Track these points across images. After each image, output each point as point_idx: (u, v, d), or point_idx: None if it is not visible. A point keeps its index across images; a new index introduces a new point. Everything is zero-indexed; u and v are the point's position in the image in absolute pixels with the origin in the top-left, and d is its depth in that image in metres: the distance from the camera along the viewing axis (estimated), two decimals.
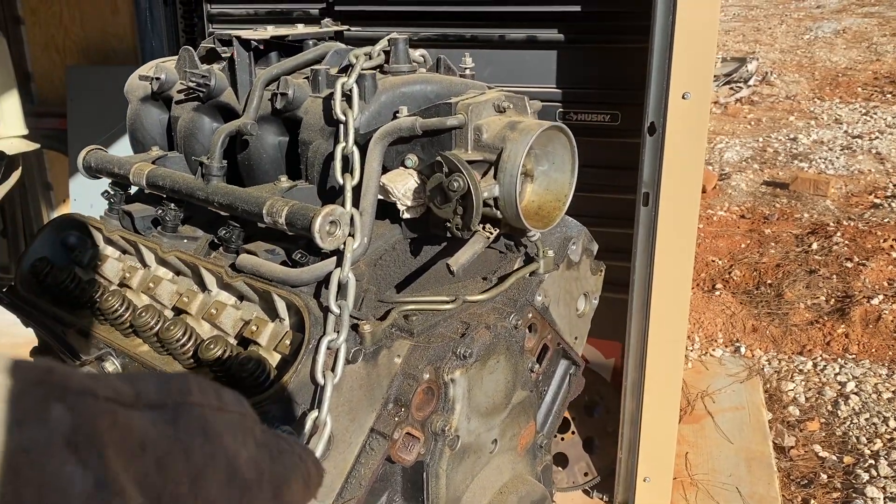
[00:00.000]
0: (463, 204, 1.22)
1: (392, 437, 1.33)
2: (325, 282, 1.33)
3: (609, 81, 3.03)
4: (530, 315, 1.57)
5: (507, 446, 1.58)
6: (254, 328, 1.35)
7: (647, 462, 3.38)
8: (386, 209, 1.40)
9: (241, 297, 1.45)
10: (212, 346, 1.27)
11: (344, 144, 1.34)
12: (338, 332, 1.21)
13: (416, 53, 1.52)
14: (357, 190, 1.33)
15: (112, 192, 1.64)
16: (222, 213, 1.43)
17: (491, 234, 1.32)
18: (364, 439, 1.34)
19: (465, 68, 1.53)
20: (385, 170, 1.37)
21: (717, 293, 5.31)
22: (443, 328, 1.46)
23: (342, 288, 1.26)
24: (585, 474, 3.56)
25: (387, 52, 1.47)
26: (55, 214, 5.77)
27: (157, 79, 1.65)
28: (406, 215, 1.37)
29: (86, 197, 5.37)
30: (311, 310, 1.25)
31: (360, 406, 1.32)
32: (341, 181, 1.33)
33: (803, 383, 4.50)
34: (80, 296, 1.54)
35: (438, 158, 1.25)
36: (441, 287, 1.55)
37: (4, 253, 5.33)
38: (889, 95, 9.18)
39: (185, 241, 1.56)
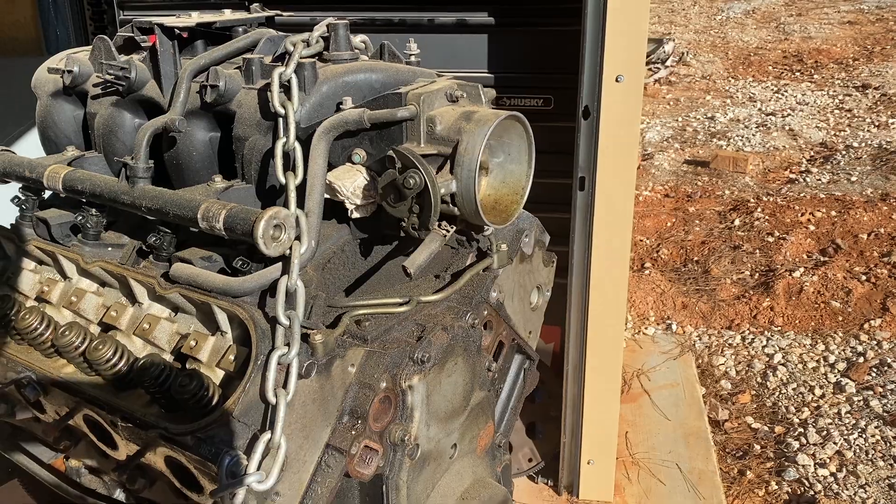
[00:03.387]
0: (419, 202, 1.14)
1: (349, 452, 1.25)
2: (269, 290, 1.23)
3: (541, 65, 2.98)
4: (486, 312, 1.51)
5: (467, 450, 1.52)
6: (192, 343, 1.24)
7: (591, 445, 3.40)
8: (333, 209, 1.30)
9: (176, 310, 1.33)
10: (148, 366, 1.16)
11: (284, 140, 1.24)
12: (288, 345, 1.12)
13: (357, 39, 1.42)
14: (301, 189, 1.23)
15: (23, 198, 1.49)
16: (151, 218, 1.31)
17: (447, 231, 1.24)
18: (319, 456, 1.26)
19: (411, 55, 1.44)
20: (330, 166, 1.27)
21: (647, 272, 5.39)
22: (397, 332, 1.38)
23: (290, 297, 1.16)
24: (530, 460, 3.55)
25: (326, 39, 1.36)
26: None
27: (70, 72, 1.50)
28: (355, 215, 1.28)
29: None
30: (257, 322, 1.15)
31: (313, 421, 1.23)
32: (283, 180, 1.22)
33: (733, 357, 4.62)
34: None
35: (390, 153, 1.16)
36: (392, 288, 1.47)
37: None
38: (798, 73, 9.54)
39: (110, 248, 1.42)
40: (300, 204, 1.21)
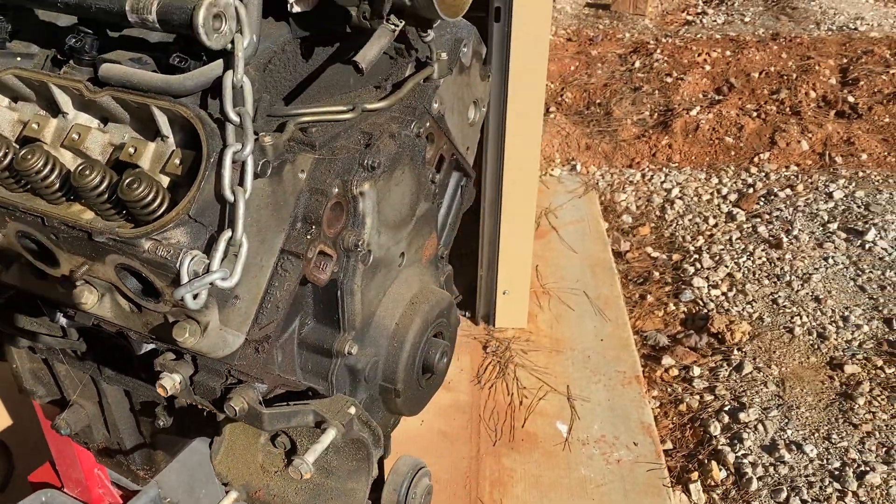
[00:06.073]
0: None
1: (306, 256, 1.25)
2: (211, 91, 1.16)
3: None
4: (428, 124, 1.49)
5: (413, 259, 1.54)
6: (131, 150, 1.17)
7: (506, 276, 3.52)
8: (270, 6, 1.22)
9: (106, 120, 1.24)
10: (87, 172, 1.09)
11: None
12: (242, 142, 1.07)
13: None
14: None
15: None
16: (67, 15, 1.18)
17: (396, 26, 1.19)
18: (275, 262, 1.25)
19: None
20: None
21: (552, 116, 5.46)
22: (344, 140, 1.35)
23: (237, 93, 1.10)
24: None
25: None
26: None
27: None
28: (296, 8, 1.20)
29: None
30: (205, 120, 1.09)
31: (267, 226, 1.21)
32: None
33: (633, 193, 4.82)
34: None
35: None
36: (333, 97, 1.42)
37: None
38: None
39: (19, 59, 1.29)
40: None
